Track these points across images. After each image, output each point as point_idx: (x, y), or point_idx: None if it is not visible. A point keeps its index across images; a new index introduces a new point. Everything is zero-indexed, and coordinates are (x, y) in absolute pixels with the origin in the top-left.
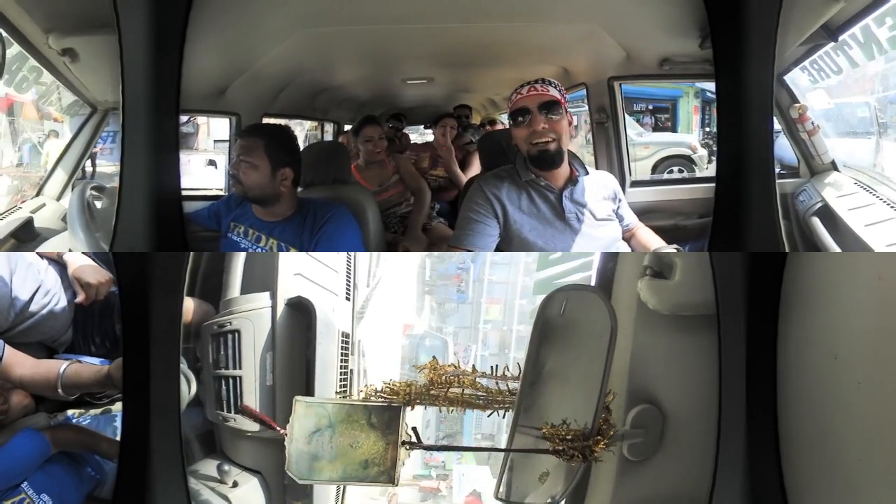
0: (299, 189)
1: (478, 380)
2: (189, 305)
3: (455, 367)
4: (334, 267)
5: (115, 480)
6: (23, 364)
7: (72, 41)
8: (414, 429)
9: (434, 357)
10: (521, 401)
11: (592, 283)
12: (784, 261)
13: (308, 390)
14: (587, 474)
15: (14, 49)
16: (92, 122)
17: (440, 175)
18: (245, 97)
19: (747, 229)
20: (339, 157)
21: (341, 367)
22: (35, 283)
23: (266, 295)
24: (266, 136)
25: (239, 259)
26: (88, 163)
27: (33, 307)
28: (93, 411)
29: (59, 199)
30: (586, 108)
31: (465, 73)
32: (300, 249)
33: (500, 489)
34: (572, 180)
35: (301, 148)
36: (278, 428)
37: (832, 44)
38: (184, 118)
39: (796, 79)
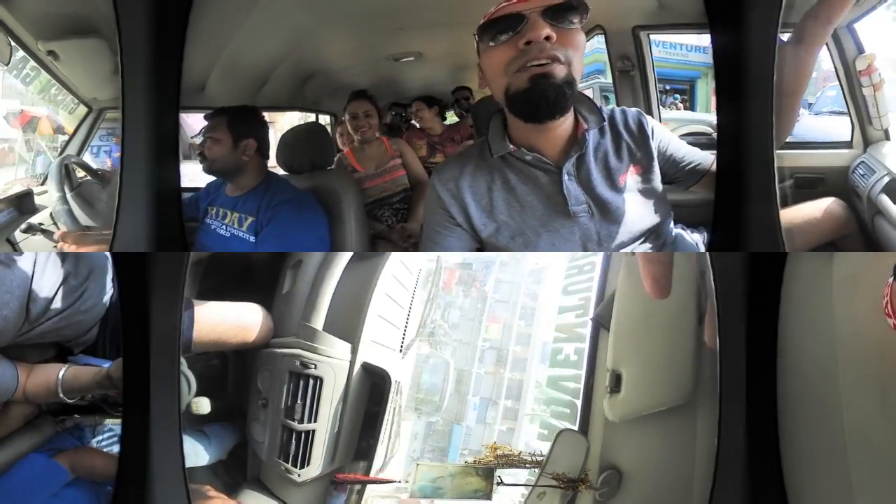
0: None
1: (522, 455)
2: (257, 319)
3: (509, 448)
4: (397, 324)
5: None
6: (26, 376)
7: (53, 45)
8: (500, 476)
9: (494, 442)
10: (544, 466)
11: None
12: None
13: (370, 436)
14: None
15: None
16: (88, 120)
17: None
18: (225, 90)
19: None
20: (318, 140)
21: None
22: (58, 276)
23: (348, 349)
24: (228, 112)
25: (329, 285)
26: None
27: (56, 305)
28: (108, 421)
29: None
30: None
31: (453, 41)
32: (256, 219)
33: None
34: (578, 142)
35: (265, 120)
36: (397, 480)
37: None
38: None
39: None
